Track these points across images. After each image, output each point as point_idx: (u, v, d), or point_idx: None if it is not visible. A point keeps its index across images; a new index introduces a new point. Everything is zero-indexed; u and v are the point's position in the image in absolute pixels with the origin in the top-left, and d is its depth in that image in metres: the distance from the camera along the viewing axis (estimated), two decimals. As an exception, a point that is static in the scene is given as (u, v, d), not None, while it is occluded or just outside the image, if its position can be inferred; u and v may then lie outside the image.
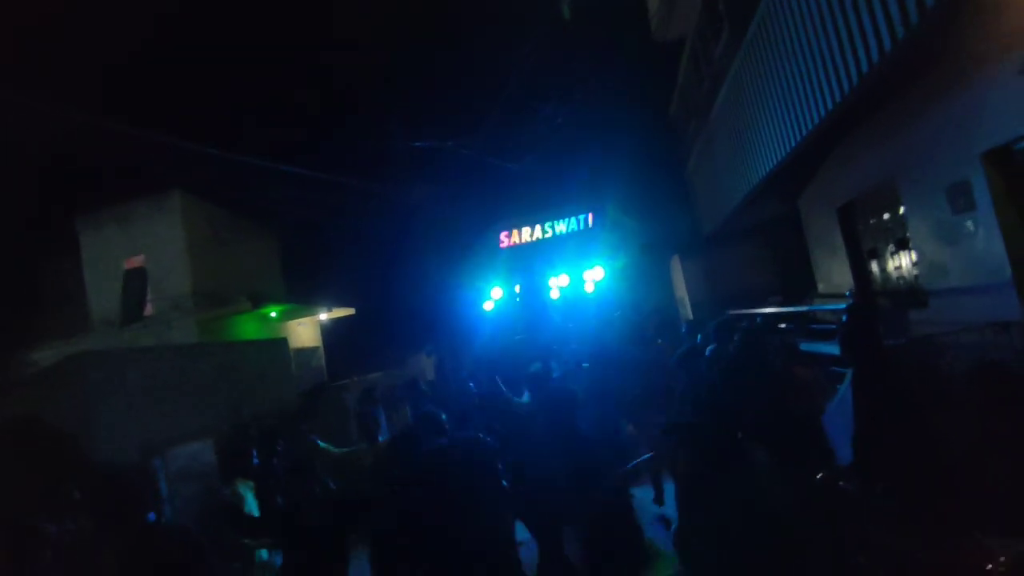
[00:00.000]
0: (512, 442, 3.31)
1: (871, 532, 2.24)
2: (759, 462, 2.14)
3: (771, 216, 9.20)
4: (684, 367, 4.03)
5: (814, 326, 6.46)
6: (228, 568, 3.35)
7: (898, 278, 5.93)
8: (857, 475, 2.55)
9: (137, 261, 10.62)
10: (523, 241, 12.40)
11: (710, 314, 9.12)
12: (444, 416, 3.19)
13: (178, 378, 5.57)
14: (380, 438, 4.25)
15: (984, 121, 3.89)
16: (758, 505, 1.88)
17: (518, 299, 11.73)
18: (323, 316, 13.16)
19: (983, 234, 4.18)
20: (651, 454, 4.21)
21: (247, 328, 11.27)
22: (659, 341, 6.55)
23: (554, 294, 11.66)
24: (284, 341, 8.27)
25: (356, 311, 13.73)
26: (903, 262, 5.76)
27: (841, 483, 2.57)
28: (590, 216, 12.17)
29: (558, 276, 11.56)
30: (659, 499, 4.87)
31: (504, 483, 2.40)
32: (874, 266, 6.46)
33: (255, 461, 3.79)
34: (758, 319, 7.02)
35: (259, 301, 10.66)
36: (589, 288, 11.31)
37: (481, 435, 2.58)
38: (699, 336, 4.59)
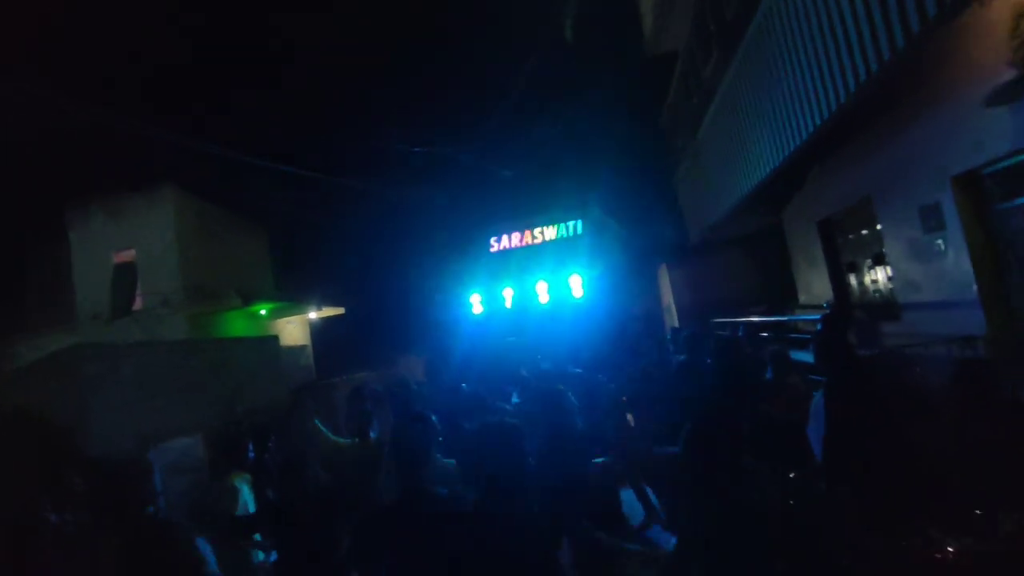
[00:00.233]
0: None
1: (849, 532, 2.35)
2: (746, 468, 2.20)
3: (756, 228, 9.47)
4: (649, 377, 4.15)
5: (794, 335, 6.69)
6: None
7: (875, 291, 6.18)
8: (825, 476, 2.70)
9: (127, 255, 10.54)
10: (513, 246, 12.56)
11: (696, 321, 9.35)
12: (434, 417, 3.26)
13: (170, 373, 5.62)
14: (372, 435, 4.33)
15: (954, 147, 4.12)
16: (748, 511, 1.91)
17: (508, 305, 11.82)
18: (313, 315, 13.14)
19: (952, 253, 4.41)
20: (605, 458, 3.86)
21: (236, 325, 11.24)
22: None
23: (543, 299, 11.77)
24: (275, 338, 8.31)
25: (346, 311, 13.75)
26: (879, 276, 6.01)
27: (817, 484, 2.70)
28: (579, 223, 12.35)
29: (547, 281, 11.69)
30: (651, 517, 4.42)
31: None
32: (852, 279, 6.71)
33: (251, 455, 3.85)
34: (740, 330, 7.23)
35: (249, 298, 10.63)
36: (577, 294, 11.46)
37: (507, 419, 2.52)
38: (670, 347, 4.68)
